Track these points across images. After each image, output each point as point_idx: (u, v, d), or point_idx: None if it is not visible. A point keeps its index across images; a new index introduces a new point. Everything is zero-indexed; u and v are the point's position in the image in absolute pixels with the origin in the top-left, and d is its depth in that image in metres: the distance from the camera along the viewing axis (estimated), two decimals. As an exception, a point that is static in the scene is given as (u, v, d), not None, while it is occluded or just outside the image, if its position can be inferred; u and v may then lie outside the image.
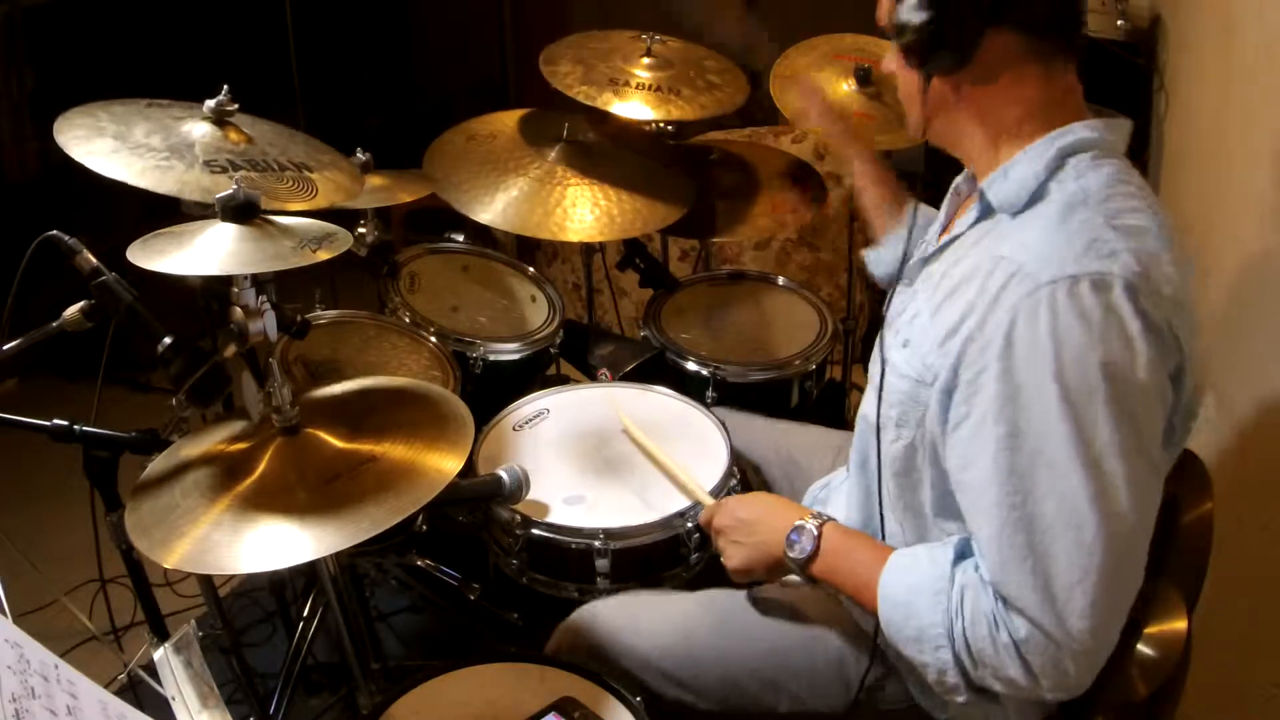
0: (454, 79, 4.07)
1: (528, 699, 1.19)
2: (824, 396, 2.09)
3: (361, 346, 1.90)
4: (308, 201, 1.47)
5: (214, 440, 1.32)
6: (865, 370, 1.46)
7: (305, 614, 1.91)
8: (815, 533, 1.21)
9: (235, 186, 1.26)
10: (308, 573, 1.90)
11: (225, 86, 1.51)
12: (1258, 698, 1.35)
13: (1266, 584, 1.36)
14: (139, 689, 1.61)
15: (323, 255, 1.26)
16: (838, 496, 1.43)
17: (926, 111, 1.14)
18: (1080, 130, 1.08)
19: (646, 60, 2.17)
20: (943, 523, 1.17)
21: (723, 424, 1.66)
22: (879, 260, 1.67)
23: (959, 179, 1.30)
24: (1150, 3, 2.49)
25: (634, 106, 2.06)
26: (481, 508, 1.55)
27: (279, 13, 2.89)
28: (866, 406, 1.26)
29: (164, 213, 1.41)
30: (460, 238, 2.23)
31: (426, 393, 1.40)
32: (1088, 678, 1.04)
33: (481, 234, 2.25)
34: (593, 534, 1.46)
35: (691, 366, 1.95)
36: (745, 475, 1.64)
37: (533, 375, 2.06)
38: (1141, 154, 2.39)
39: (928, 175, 2.75)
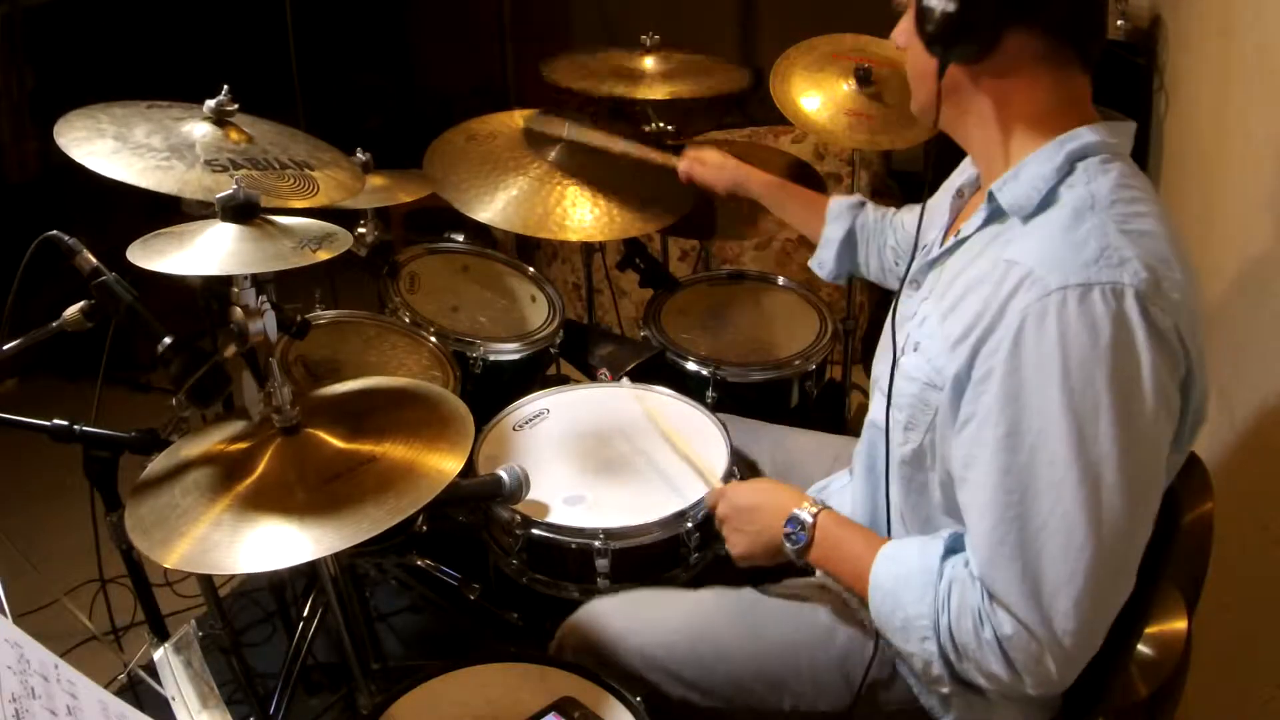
0: (454, 79, 4.06)
1: (528, 699, 1.19)
2: (824, 397, 2.09)
3: (361, 347, 1.90)
4: (309, 199, 1.46)
5: (214, 440, 1.32)
6: (865, 370, 1.46)
7: (305, 614, 1.91)
8: (810, 522, 1.24)
9: (235, 186, 1.26)
10: (308, 573, 1.90)
11: (225, 86, 1.51)
12: (1258, 698, 1.35)
13: (1266, 584, 1.36)
14: (139, 689, 1.60)
15: (323, 255, 1.26)
16: (837, 498, 1.43)
17: (939, 96, 1.14)
18: (1087, 134, 1.08)
19: (648, 60, 2.21)
20: (949, 527, 1.17)
21: (723, 425, 1.66)
22: (822, 264, 1.76)
23: (960, 181, 1.30)
24: (1150, 3, 2.49)
25: (639, 89, 2.11)
26: (481, 508, 1.55)
27: (279, 13, 2.89)
28: (874, 411, 1.27)
29: (164, 213, 1.41)
30: (460, 238, 2.23)
31: (426, 393, 1.40)
32: (1070, 676, 1.04)
33: (481, 234, 2.25)
34: (593, 534, 1.46)
35: (691, 366, 1.95)
36: (745, 477, 1.63)
37: (533, 375, 2.06)
38: (1141, 154, 2.39)
39: (928, 175, 2.74)
